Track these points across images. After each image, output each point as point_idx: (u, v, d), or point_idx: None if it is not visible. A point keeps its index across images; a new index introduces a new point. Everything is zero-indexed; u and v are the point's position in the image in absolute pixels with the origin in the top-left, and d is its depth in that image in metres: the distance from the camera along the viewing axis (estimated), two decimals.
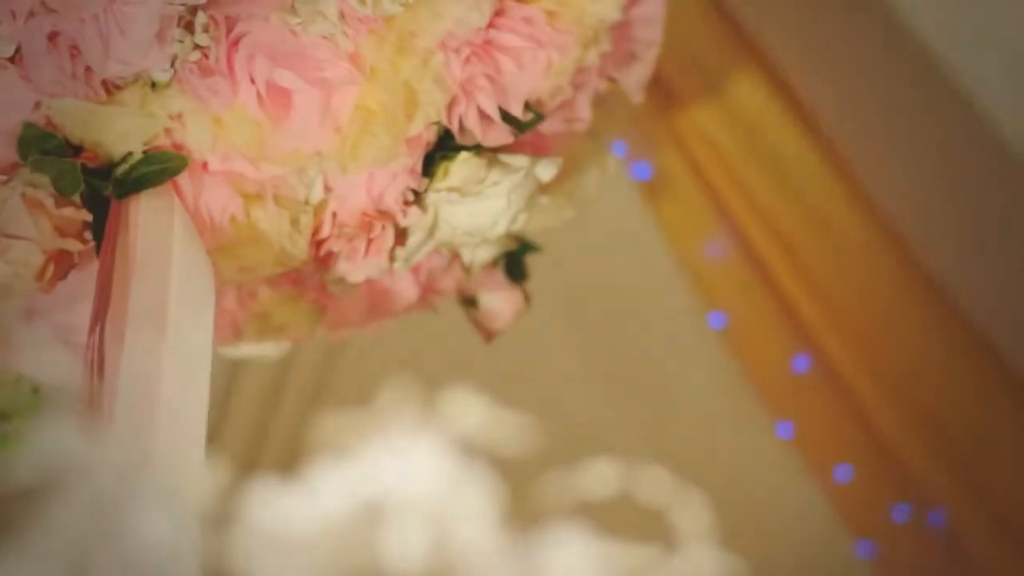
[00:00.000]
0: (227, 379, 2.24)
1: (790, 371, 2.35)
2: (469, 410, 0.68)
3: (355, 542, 0.65)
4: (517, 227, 1.49)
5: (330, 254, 1.43)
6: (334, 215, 1.41)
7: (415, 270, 1.54)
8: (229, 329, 1.54)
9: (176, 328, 1.24)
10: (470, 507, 0.66)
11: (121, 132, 1.31)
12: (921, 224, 2.24)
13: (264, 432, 2.40)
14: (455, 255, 1.56)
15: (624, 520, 0.74)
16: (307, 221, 1.39)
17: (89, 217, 1.33)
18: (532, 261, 1.66)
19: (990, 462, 2.26)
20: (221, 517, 0.67)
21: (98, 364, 1.25)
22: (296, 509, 0.66)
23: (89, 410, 1.21)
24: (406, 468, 0.67)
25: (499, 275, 1.62)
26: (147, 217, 1.31)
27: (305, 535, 0.66)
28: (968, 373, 2.26)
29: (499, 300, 1.62)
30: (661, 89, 2.08)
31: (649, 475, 0.70)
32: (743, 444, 2.52)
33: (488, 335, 1.64)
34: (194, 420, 1.22)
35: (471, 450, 0.67)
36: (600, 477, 0.70)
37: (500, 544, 0.66)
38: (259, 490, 0.66)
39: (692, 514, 0.69)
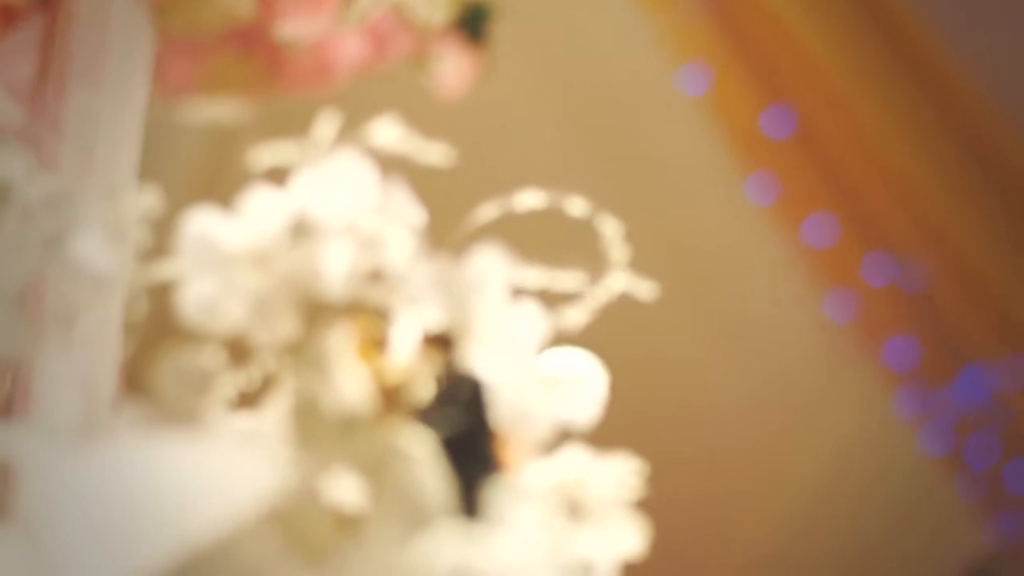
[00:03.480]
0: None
1: (763, 127, 2.35)
2: (390, 138, 0.72)
3: (288, 261, 0.69)
4: None
5: (279, 10, 1.40)
6: None
7: (369, 31, 1.52)
8: (184, 87, 1.52)
9: (114, 82, 1.25)
10: (395, 228, 0.70)
11: None
12: None
13: (201, 163, 2.41)
14: (410, 15, 1.54)
15: (546, 248, 0.77)
16: None
17: None
18: (498, 24, 1.63)
19: (962, 222, 2.28)
20: (159, 243, 0.71)
21: (43, 115, 1.25)
22: (232, 232, 0.70)
23: (37, 155, 1.22)
24: (335, 193, 0.70)
25: (457, 37, 1.60)
26: None
27: (240, 256, 0.70)
28: (943, 134, 2.25)
29: (456, 62, 1.60)
30: None
31: (569, 205, 0.75)
32: (714, 199, 2.52)
33: (446, 97, 1.63)
34: (127, 165, 1.25)
35: (395, 174, 0.71)
36: (525, 207, 0.75)
37: (425, 263, 0.70)
38: (197, 216, 0.71)
39: (609, 242, 0.74)
